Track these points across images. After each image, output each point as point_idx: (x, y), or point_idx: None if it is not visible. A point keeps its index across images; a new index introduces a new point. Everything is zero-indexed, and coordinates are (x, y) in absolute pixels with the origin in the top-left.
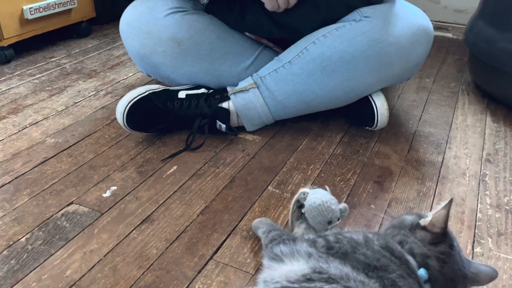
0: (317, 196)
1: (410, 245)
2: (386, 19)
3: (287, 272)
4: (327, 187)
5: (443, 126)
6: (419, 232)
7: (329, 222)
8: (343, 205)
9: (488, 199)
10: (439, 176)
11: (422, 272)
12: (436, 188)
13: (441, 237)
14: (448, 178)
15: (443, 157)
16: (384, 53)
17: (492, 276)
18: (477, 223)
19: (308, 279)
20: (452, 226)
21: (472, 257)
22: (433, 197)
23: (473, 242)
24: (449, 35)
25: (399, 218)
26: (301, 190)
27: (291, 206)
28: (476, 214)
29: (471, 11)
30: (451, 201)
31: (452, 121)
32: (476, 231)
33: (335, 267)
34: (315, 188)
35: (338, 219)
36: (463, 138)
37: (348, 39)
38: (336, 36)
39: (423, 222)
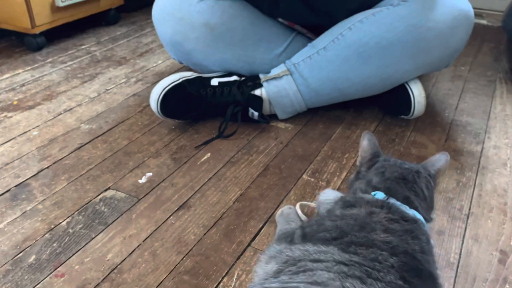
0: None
1: (365, 184)
2: (425, 3)
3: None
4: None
5: (481, 116)
6: (362, 171)
7: None
8: None
9: None
10: (479, 166)
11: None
12: (476, 178)
13: (376, 156)
14: (489, 169)
15: (482, 147)
16: (422, 38)
17: (447, 159)
18: None
19: (278, 272)
20: (495, 218)
21: None
22: (473, 188)
23: None
24: (484, 22)
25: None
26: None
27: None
28: None
29: None
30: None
31: (490, 111)
32: None
33: (297, 249)
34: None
35: None
36: (502, 128)
37: (386, 24)
38: (373, 22)
39: (358, 162)
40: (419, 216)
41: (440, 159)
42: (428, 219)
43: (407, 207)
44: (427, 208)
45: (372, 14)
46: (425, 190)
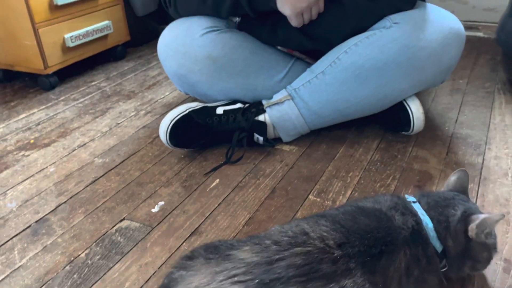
0: None
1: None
2: (416, 24)
3: None
4: None
5: (480, 127)
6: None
7: None
8: None
9: None
10: (480, 178)
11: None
12: (478, 189)
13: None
14: (490, 179)
15: (483, 158)
16: (415, 58)
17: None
18: None
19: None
20: (498, 228)
21: None
22: (476, 198)
23: None
24: (480, 34)
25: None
26: None
27: None
28: None
29: (501, 9)
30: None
31: (490, 122)
32: None
33: None
34: None
35: None
36: (502, 138)
37: (380, 46)
38: (367, 44)
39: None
40: (428, 221)
41: (485, 219)
42: (441, 237)
43: (424, 212)
44: (445, 232)
45: (366, 37)
46: (450, 218)
